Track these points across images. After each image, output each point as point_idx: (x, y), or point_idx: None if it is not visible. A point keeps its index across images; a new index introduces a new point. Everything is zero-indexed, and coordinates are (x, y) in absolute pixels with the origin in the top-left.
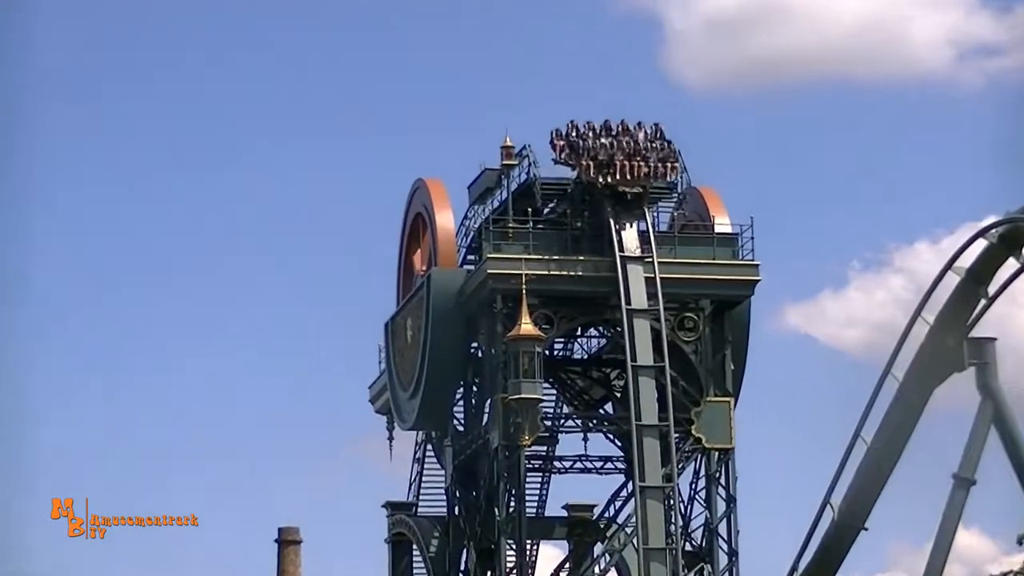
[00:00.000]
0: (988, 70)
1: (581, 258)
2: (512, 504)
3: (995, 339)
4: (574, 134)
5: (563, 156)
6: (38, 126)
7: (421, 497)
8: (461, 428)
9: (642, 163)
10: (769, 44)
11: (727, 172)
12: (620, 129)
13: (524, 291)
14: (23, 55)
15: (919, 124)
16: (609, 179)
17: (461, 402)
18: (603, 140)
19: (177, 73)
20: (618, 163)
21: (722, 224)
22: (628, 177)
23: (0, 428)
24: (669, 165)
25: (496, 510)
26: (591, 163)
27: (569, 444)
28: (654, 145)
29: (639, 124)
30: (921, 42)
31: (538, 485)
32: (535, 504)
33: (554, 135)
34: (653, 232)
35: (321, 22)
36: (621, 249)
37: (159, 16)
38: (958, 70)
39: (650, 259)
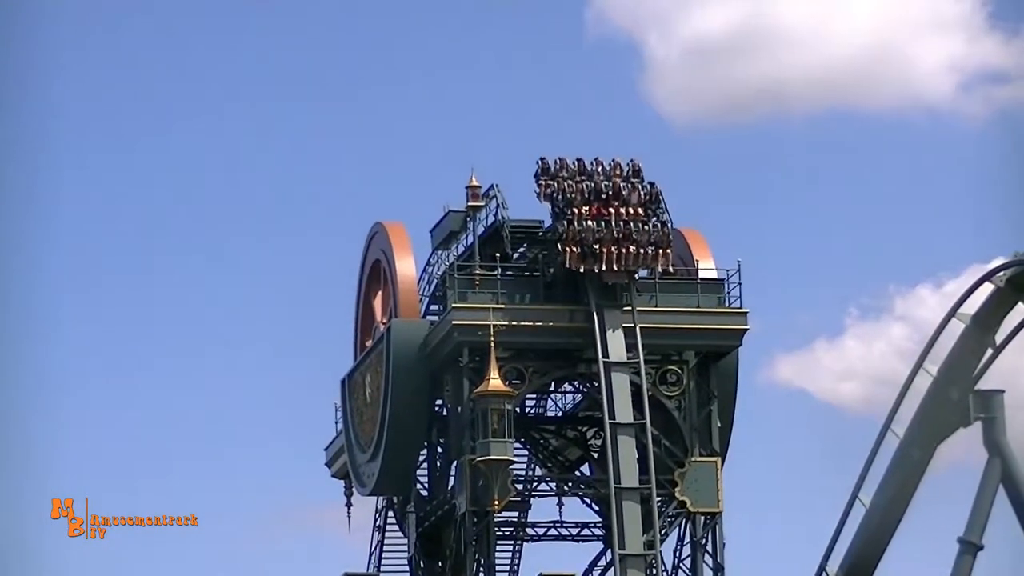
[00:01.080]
0: (995, 99)
1: (554, 307)
2: (481, 575)
3: (1003, 391)
4: (562, 175)
5: (545, 195)
6: None
7: (382, 568)
8: (425, 493)
9: (631, 247)
10: (758, 72)
11: (713, 213)
12: (611, 192)
13: (492, 343)
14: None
15: (921, 158)
16: (593, 266)
17: (425, 465)
18: (592, 203)
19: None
20: (604, 251)
21: (707, 269)
22: (615, 267)
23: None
24: (661, 251)
25: None
26: (575, 249)
27: (543, 509)
28: (646, 227)
29: (632, 184)
30: (922, 70)
31: (509, 554)
32: (506, 575)
33: (540, 167)
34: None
35: (273, 50)
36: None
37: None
38: (963, 99)
39: (629, 307)
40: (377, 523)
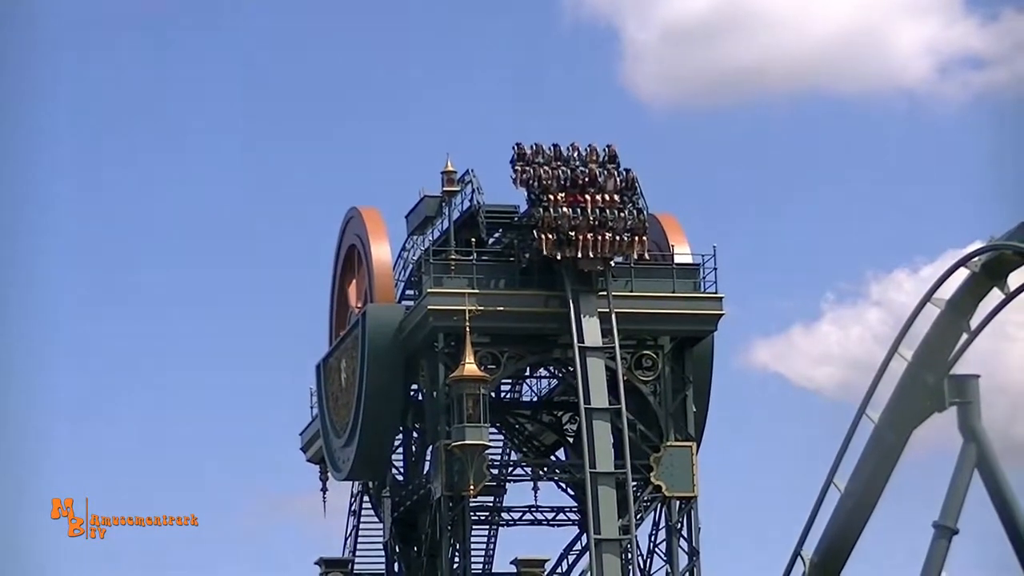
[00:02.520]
0: (973, 83)
1: (530, 292)
2: (456, 559)
3: (978, 376)
4: (538, 161)
5: (521, 181)
6: None
7: (357, 553)
8: (400, 478)
9: (607, 234)
10: (736, 56)
11: (689, 197)
12: (587, 179)
13: (468, 328)
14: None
15: (898, 143)
16: (568, 253)
17: (400, 450)
18: (570, 190)
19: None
20: (580, 239)
21: (683, 254)
22: (590, 254)
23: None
24: (637, 238)
25: (439, 566)
26: (550, 236)
27: (518, 494)
28: (622, 214)
29: (608, 171)
30: (901, 54)
31: (484, 539)
32: (481, 559)
33: (516, 153)
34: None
35: (248, 41)
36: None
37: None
38: (941, 84)
39: (604, 293)
40: (352, 508)
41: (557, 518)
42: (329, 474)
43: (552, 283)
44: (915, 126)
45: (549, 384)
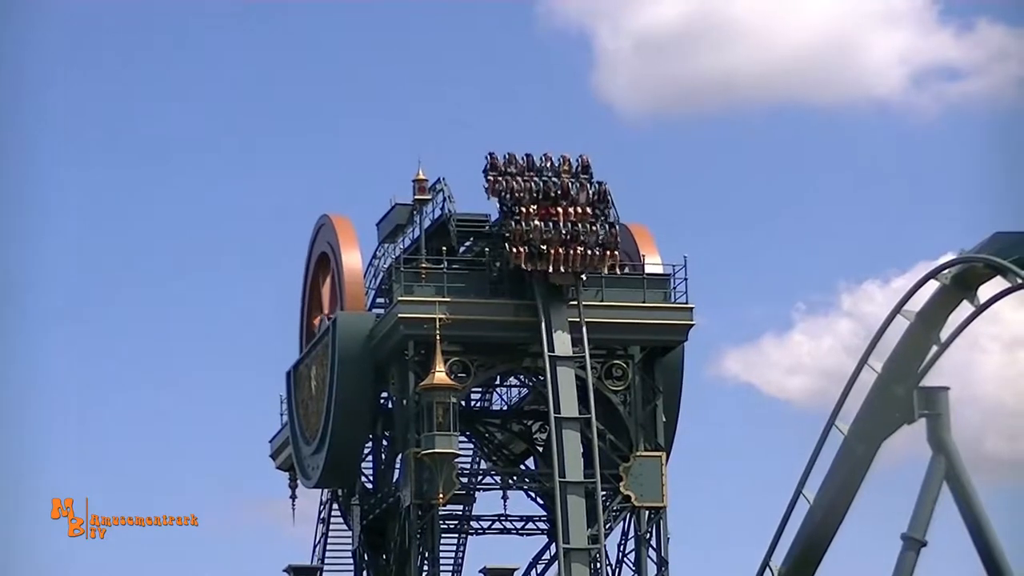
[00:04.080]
0: (946, 95)
1: (500, 301)
2: (425, 568)
3: (948, 388)
4: (511, 172)
5: (494, 191)
6: None
7: (326, 561)
8: (370, 486)
9: (578, 248)
10: (709, 65)
11: (660, 207)
12: (559, 192)
13: (438, 337)
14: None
15: (871, 154)
16: (540, 266)
17: (370, 457)
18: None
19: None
20: (552, 252)
21: (653, 264)
22: (561, 268)
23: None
24: (608, 252)
25: (408, 574)
26: (522, 249)
27: (487, 503)
28: (594, 227)
29: (580, 183)
30: (874, 65)
31: (453, 547)
32: (450, 568)
33: (488, 163)
34: None
35: (217, 46)
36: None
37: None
38: (914, 94)
39: (575, 303)
40: (321, 515)
41: (526, 527)
42: (298, 481)
43: (523, 292)
44: (888, 137)
45: (519, 393)
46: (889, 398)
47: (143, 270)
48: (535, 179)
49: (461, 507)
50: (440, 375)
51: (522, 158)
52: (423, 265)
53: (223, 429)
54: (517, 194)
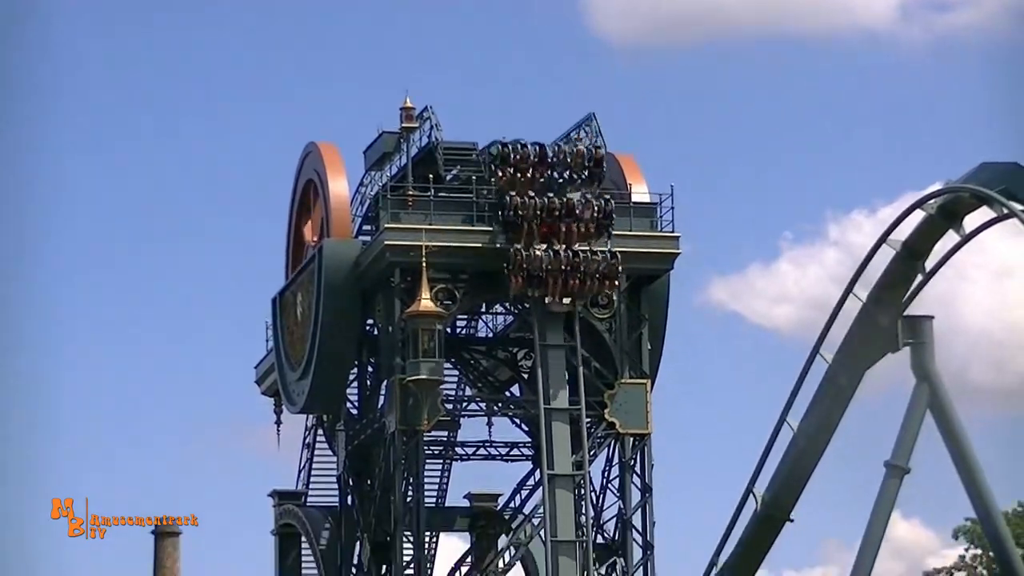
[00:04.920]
0: (935, 26)
1: (486, 229)
2: (410, 493)
3: (932, 318)
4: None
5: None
6: None
7: (311, 486)
8: (355, 412)
9: (576, 280)
10: None
11: (647, 136)
12: (563, 211)
13: (424, 264)
14: None
15: (858, 85)
16: (537, 293)
17: (355, 384)
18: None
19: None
20: (551, 281)
21: (640, 193)
22: (558, 299)
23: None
24: (608, 282)
25: (392, 500)
26: (521, 278)
27: (472, 429)
28: (596, 257)
29: (587, 200)
30: None
31: (438, 473)
32: (435, 493)
33: (499, 154)
34: None
35: None
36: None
37: None
38: (903, 26)
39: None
40: (306, 441)
41: (511, 453)
42: (283, 407)
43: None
44: (877, 68)
45: (504, 320)
46: (874, 327)
47: (130, 198)
48: (540, 194)
49: (446, 433)
50: (426, 302)
51: (533, 149)
52: (410, 193)
53: (209, 355)
54: (520, 211)
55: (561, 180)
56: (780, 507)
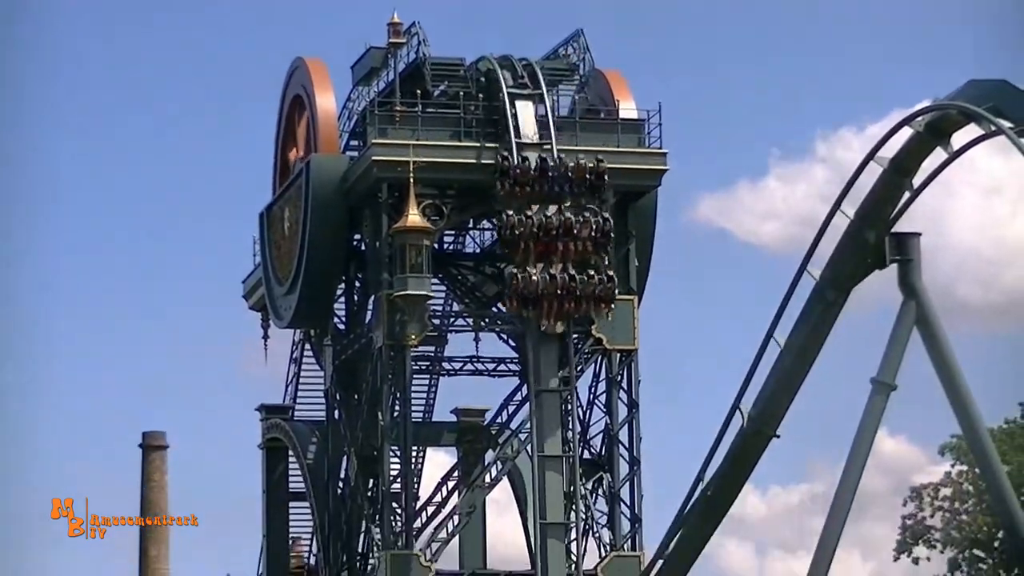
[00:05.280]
0: None
1: (474, 145)
2: (397, 408)
3: (919, 235)
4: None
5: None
6: None
7: (298, 400)
8: (342, 327)
9: (571, 304)
10: None
11: (635, 52)
12: (561, 229)
13: (412, 180)
14: None
15: (848, 1)
16: (531, 314)
17: (342, 299)
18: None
19: None
20: (545, 304)
21: (628, 109)
22: (552, 322)
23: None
24: (603, 306)
25: (379, 415)
26: (516, 300)
27: (459, 344)
28: (592, 280)
29: (585, 218)
30: None
31: (425, 388)
32: (422, 408)
33: (499, 167)
34: (552, 117)
35: None
36: (518, 135)
37: None
38: None
39: (548, 145)
40: (293, 356)
41: (498, 369)
42: (271, 322)
43: (497, 136)
44: None
45: (492, 236)
46: (861, 244)
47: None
48: (541, 204)
49: (433, 348)
50: (413, 218)
51: (535, 162)
52: (397, 108)
53: (196, 270)
54: (517, 230)
55: (561, 192)
56: (766, 423)
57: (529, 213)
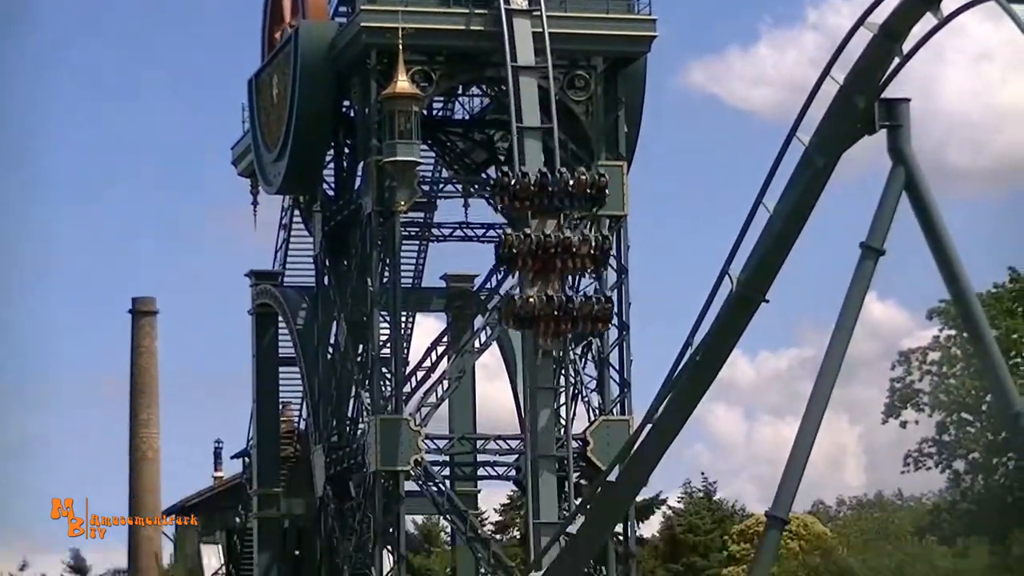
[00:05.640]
0: None
1: (463, 10)
2: (386, 274)
3: (909, 100)
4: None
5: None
6: None
7: (288, 266)
8: (331, 193)
9: (568, 324)
10: None
11: None
12: (559, 248)
13: (401, 46)
14: None
15: None
16: (527, 330)
17: (331, 165)
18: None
19: None
20: (542, 324)
21: None
22: (548, 341)
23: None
24: (601, 326)
25: (369, 280)
26: (514, 318)
27: (448, 210)
28: (589, 300)
29: (583, 235)
30: None
31: (414, 254)
32: (411, 274)
33: (499, 182)
34: None
35: None
36: (507, 2)
37: None
38: None
39: (538, 12)
40: (283, 222)
41: (487, 234)
42: (260, 188)
43: (486, 1)
44: None
45: (481, 103)
46: (850, 109)
47: None
48: (542, 216)
49: (422, 214)
50: (402, 84)
51: (535, 176)
52: None
53: (185, 136)
54: (515, 249)
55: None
56: (755, 288)
57: (528, 231)
